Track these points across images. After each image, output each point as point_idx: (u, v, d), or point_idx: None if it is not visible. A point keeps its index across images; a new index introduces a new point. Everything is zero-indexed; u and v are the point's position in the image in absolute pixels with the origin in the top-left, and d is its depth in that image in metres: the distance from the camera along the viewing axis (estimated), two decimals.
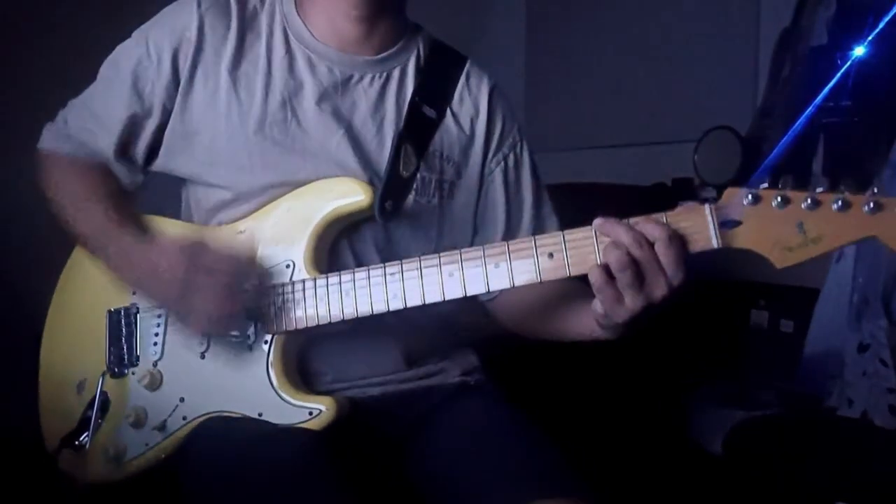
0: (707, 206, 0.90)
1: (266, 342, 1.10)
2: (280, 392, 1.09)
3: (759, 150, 2.44)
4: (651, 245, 0.90)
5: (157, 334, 1.17)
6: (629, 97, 3.09)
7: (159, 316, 1.16)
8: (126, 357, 1.18)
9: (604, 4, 3.24)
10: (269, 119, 1.13)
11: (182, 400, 1.13)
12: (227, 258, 1.05)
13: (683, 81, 2.92)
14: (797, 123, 2.23)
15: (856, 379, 1.95)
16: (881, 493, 1.56)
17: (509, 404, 1.22)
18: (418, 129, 1.18)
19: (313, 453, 1.04)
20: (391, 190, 1.13)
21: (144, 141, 1.19)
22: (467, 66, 1.26)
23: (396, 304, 1.04)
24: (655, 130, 3.00)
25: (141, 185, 1.25)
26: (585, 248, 0.96)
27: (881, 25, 2.12)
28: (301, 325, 1.08)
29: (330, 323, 1.07)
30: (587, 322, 1.04)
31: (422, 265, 1.03)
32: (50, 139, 1.24)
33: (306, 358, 1.14)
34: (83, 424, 1.15)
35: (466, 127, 1.23)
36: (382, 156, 1.16)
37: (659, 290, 0.91)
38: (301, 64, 1.17)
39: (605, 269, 0.91)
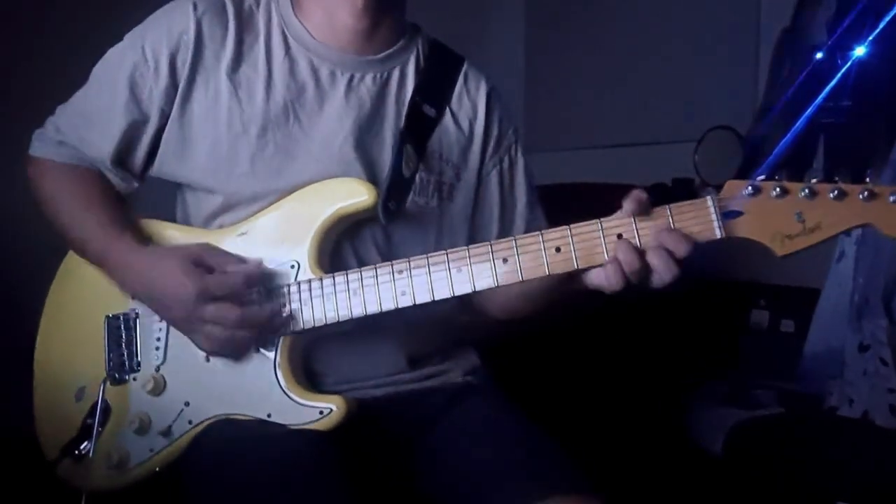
0: (710, 199, 0.94)
1: (273, 344, 1.10)
2: (289, 393, 1.09)
3: (759, 149, 2.44)
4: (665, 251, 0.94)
5: (158, 339, 1.16)
6: (629, 97, 3.09)
7: (161, 320, 1.16)
8: (127, 363, 1.17)
9: (604, 4, 3.24)
10: (271, 123, 1.12)
11: (187, 404, 1.13)
12: (234, 282, 1.05)
13: (683, 81, 2.92)
14: (797, 123, 2.23)
15: (856, 379, 1.95)
16: (881, 493, 1.56)
17: (512, 404, 1.22)
18: (418, 127, 1.18)
19: (323, 454, 1.04)
20: (394, 190, 1.12)
21: (143, 148, 1.18)
22: (465, 66, 1.26)
23: (406, 301, 1.04)
24: (655, 130, 3.00)
25: (136, 189, 1.24)
26: (592, 242, 0.98)
27: (881, 25, 2.12)
28: (309, 326, 1.08)
29: (338, 322, 1.07)
30: (573, 288, 1.04)
31: (430, 262, 1.04)
32: (41, 146, 1.22)
33: (308, 359, 1.14)
34: (84, 432, 1.14)
35: (465, 128, 1.23)
36: (383, 156, 1.16)
37: (664, 280, 0.95)
38: (302, 66, 1.16)
39: (617, 263, 0.95)
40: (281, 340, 1.10)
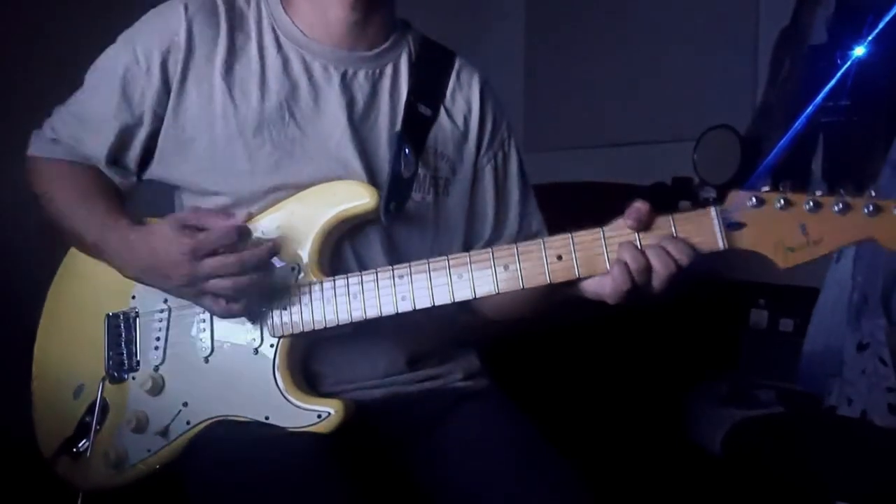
0: (713, 210, 0.93)
1: (272, 346, 1.10)
2: (287, 395, 1.09)
3: (758, 149, 2.44)
4: (672, 260, 0.95)
5: (158, 339, 1.16)
6: (629, 96, 3.09)
7: (160, 320, 1.16)
8: (126, 362, 1.17)
9: (603, 4, 3.24)
10: (266, 122, 1.12)
11: (185, 405, 1.13)
12: (226, 233, 1.03)
13: (683, 81, 2.92)
14: (797, 122, 2.24)
15: (855, 378, 1.95)
16: (881, 492, 1.57)
17: (512, 407, 1.22)
18: (415, 128, 1.18)
19: (320, 456, 1.04)
20: (394, 191, 1.12)
21: (136, 149, 1.17)
22: (457, 62, 1.27)
23: (406, 307, 1.04)
24: (655, 129, 3.00)
25: (134, 190, 1.23)
26: (594, 250, 0.98)
27: (881, 25, 2.12)
28: (308, 328, 1.08)
29: (338, 325, 1.07)
30: (570, 294, 1.05)
31: (430, 267, 1.04)
32: (37, 145, 1.23)
33: (307, 359, 1.14)
34: (81, 430, 1.14)
35: (460, 123, 1.24)
36: (380, 152, 1.16)
37: (663, 283, 0.96)
38: (295, 63, 1.15)
39: (625, 266, 0.95)
40: (280, 343, 1.10)
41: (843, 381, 1.99)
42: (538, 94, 3.49)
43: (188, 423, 1.12)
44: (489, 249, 1.02)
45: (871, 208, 0.87)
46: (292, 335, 1.09)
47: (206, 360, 1.13)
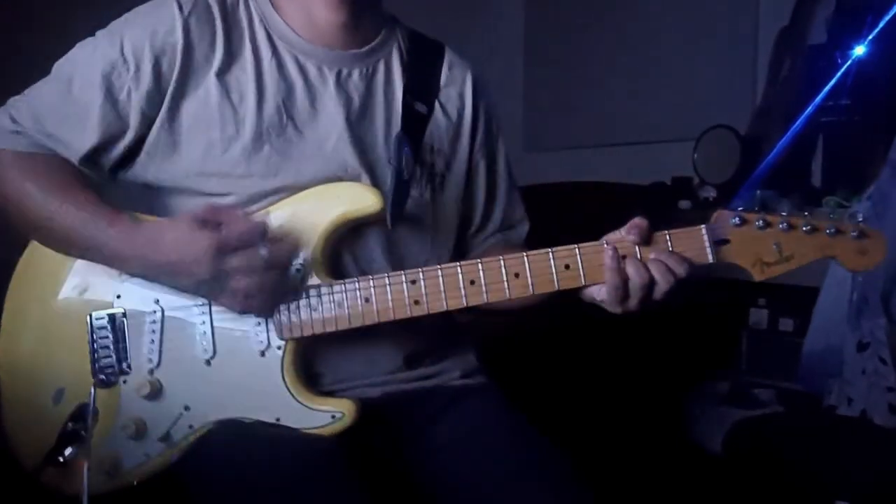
0: (703, 227, 1.06)
1: (279, 348, 1.09)
2: (297, 397, 1.08)
3: (758, 148, 2.44)
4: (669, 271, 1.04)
5: (152, 341, 1.11)
6: (628, 96, 3.09)
7: (153, 322, 1.11)
8: (116, 365, 1.11)
9: (603, 4, 3.24)
10: (265, 125, 1.11)
11: (187, 408, 1.10)
12: (249, 230, 1.02)
13: (683, 80, 2.92)
14: (796, 122, 2.24)
15: (855, 377, 1.95)
16: (881, 492, 1.57)
17: (511, 407, 1.22)
18: (413, 127, 1.18)
19: (333, 455, 1.04)
20: (398, 195, 1.13)
21: (119, 149, 1.12)
22: (447, 54, 1.27)
23: (419, 311, 1.06)
24: (655, 129, 3.00)
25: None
26: (598, 260, 1.06)
27: (881, 25, 2.12)
28: (319, 330, 1.07)
29: (350, 327, 1.07)
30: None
31: (442, 273, 1.06)
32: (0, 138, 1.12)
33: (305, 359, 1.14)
34: (66, 438, 1.07)
35: (454, 118, 1.24)
36: (377, 150, 1.16)
37: (662, 297, 1.05)
38: (290, 65, 1.14)
39: (623, 277, 1.03)
40: (287, 344, 1.09)
41: (843, 381, 1.99)
42: (538, 94, 3.49)
43: (191, 426, 1.10)
44: (499, 258, 1.06)
45: (832, 230, 1.03)
46: (301, 337, 1.09)
47: (208, 362, 1.10)
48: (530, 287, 1.05)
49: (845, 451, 1.74)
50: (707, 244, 1.05)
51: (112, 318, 1.12)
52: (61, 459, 1.07)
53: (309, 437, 1.07)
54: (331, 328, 1.07)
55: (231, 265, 1.01)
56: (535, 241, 1.25)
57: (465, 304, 1.06)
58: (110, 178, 1.15)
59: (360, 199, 1.10)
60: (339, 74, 1.16)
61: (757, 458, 1.82)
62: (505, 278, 1.06)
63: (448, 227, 1.24)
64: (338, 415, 1.07)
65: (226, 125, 1.10)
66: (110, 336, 1.12)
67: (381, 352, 1.16)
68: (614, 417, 2.10)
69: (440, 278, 1.06)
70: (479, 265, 1.06)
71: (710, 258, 1.05)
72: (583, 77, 3.28)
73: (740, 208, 1.06)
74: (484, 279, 1.06)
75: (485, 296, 1.05)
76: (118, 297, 1.13)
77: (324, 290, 1.08)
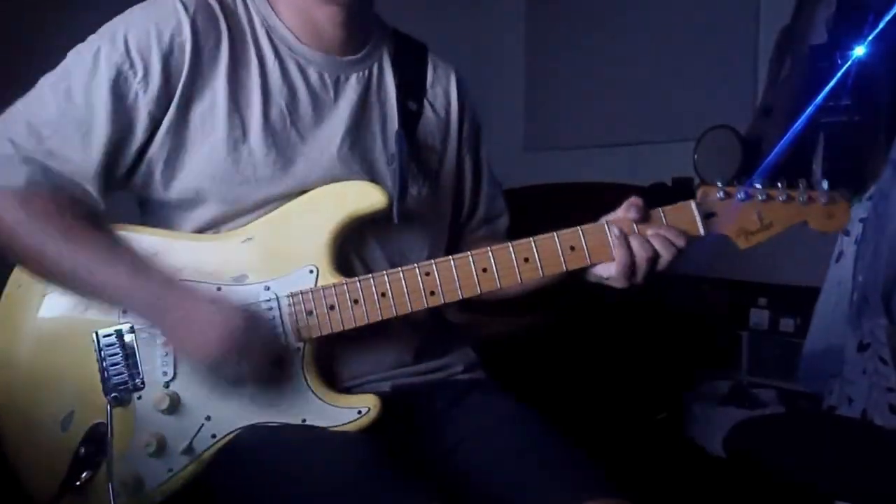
0: (692, 203, 1.14)
1: (298, 349, 1.08)
2: (321, 396, 1.08)
3: (758, 148, 2.44)
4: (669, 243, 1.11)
5: (166, 354, 1.07)
6: (629, 97, 3.09)
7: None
8: (129, 382, 1.07)
9: (603, 5, 3.24)
10: (270, 129, 1.10)
11: (208, 418, 1.07)
12: (273, 338, 1.06)
13: (683, 81, 2.92)
14: (797, 122, 2.24)
15: (856, 378, 1.95)
16: (881, 492, 1.56)
17: (513, 398, 1.22)
18: (409, 125, 1.19)
19: (364, 450, 1.05)
20: (402, 190, 1.13)
21: (127, 160, 1.07)
22: (429, 55, 1.29)
23: (435, 301, 1.08)
24: (655, 130, 3.00)
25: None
26: (601, 240, 1.11)
27: (881, 25, 2.12)
28: (337, 329, 1.07)
29: (368, 324, 1.07)
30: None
31: (455, 263, 1.09)
32: None
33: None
34: (80, 464, 1.04)
35: (442, 116, 1.26)
36: (376, 153, 1.17)
37: (664, 268, 1.11)
38: (292, 70, 1.14)
39: (630, 252, 1.09)
40: (305, 345, 1.08)
41: (843, 381, 1.99)
42: (538, 94, 3.50)
43: (214, 436, 1.07)
44: (508, 244, 1.09)
45: (804, 198, 1.14)
46: (320, 336, 1.08)
47: None
48: (540, 270, 1.09)
49: (846, 452, 1.74)
50: (697, 218, 1.12)
51: (119, 333, 1.08)
52: (78, 484, 1.04)
53: (339, 434, 1.07)
54: (349, 325, 1.07)
55: (249, 357, 1.02)
56: None
57: (479, 292, 1.09)
58: (112, 193, 1.10)
59: (367, 196, 1.11)
60: (337, 81, 1.16)
61: (757, 458, 1.82)
62: (515, 263, 1.09)
63: (443, 221, 1.25)
64: (364, 410, 1.08)
65: (233, 128, 1.09)
66: (120, 352, 1.08)
67: (390, 347, 1.17)
68: (615, 417, 2.10)
69: (453, 268, 1.08)
70: (490, 253, 1.09)
71: (701, 231, 1.13)
72: (583, 77, 3.28)
73: (719, 183, 1.15)
74: (496, 266, 1.09)
75: (497, 281, 1.09)
76: (124, 311, 1.08)
77: (339, 289, 1.07)
